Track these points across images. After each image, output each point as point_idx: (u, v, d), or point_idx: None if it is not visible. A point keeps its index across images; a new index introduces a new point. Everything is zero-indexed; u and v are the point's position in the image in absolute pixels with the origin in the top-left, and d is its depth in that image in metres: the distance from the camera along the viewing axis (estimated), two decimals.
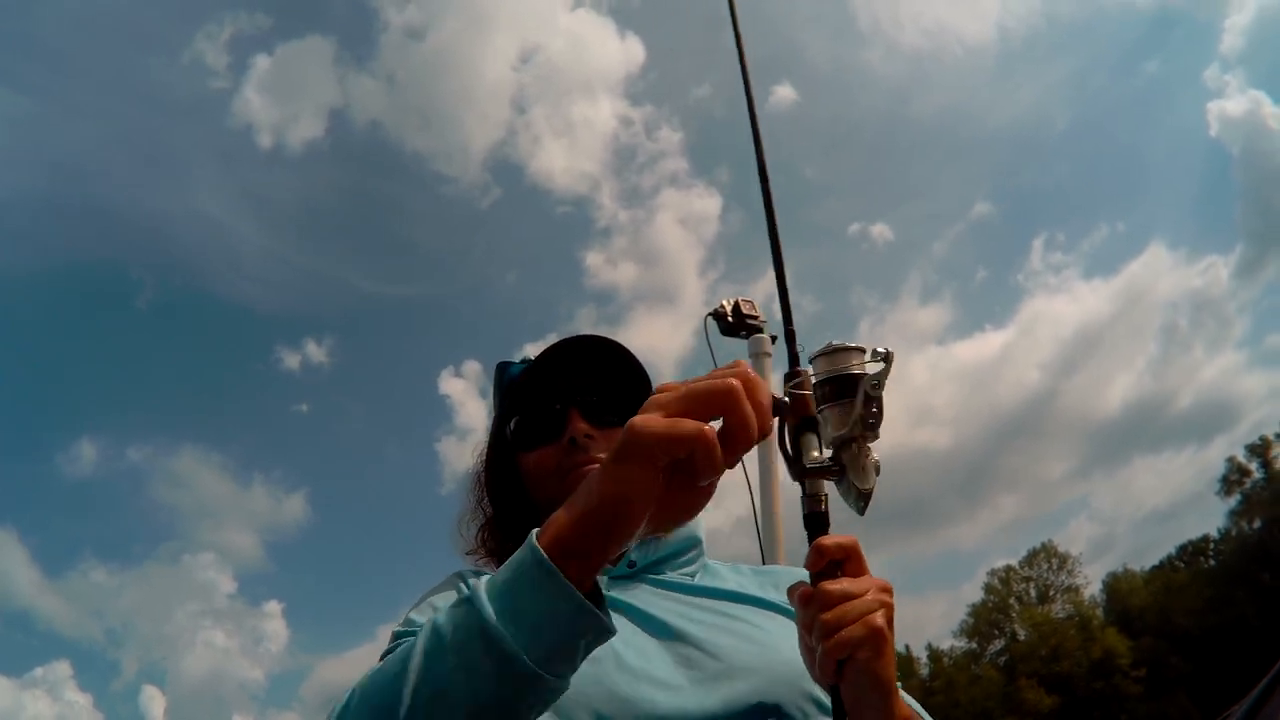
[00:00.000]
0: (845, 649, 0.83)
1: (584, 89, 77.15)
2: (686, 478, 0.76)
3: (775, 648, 1.08)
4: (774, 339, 3.84)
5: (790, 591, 0.91)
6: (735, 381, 0.75)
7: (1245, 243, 59.69)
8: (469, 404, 65.10)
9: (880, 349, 0.86)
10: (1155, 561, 43.91)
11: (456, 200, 74.17)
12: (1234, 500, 39.29)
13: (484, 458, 1.43)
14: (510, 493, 1.36)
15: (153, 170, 78.76)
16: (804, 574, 0.87)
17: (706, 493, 0.79)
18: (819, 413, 0.88)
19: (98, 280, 72.84)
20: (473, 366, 64.72)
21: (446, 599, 1.19)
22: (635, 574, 1.26)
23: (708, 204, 68.91)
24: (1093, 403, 62.38)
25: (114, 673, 56.06)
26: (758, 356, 3.79)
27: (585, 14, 79.91)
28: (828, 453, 0.87)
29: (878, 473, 0.88)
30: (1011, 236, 70.64)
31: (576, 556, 0.75)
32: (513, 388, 1.39)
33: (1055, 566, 43.44)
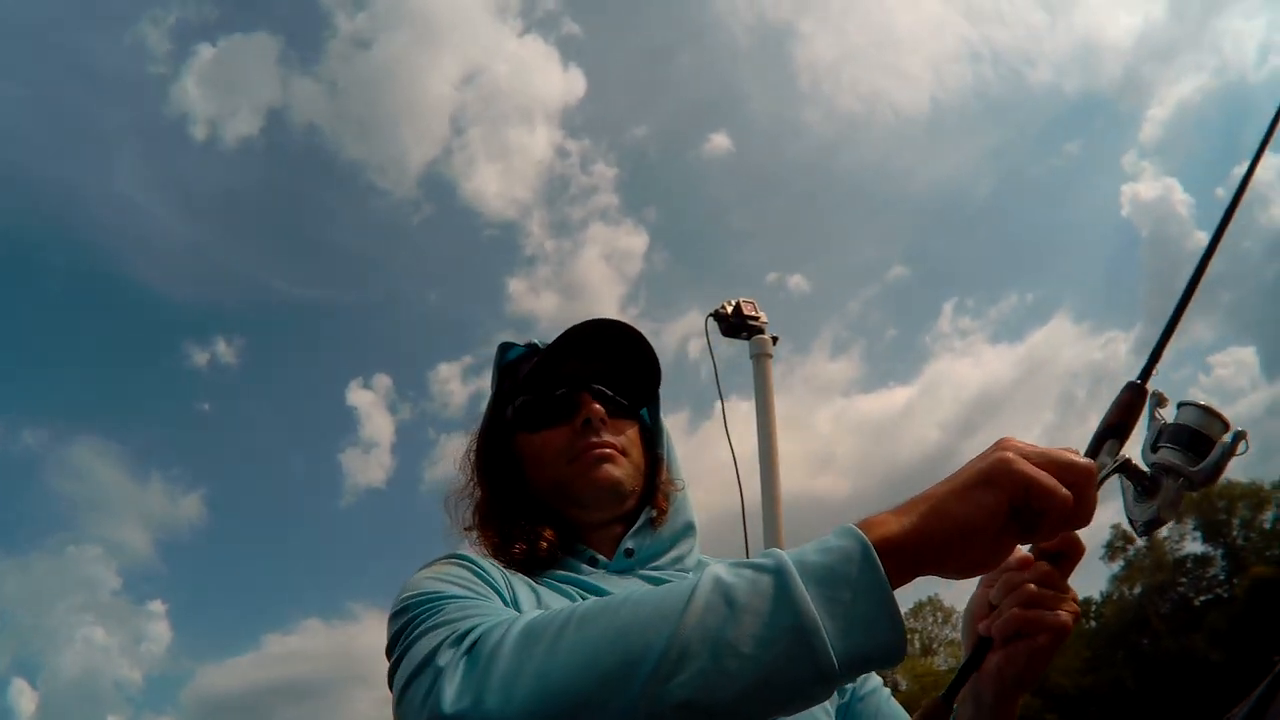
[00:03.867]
0: (1037, 625, 0.86)
1: (523, 116, 77.51)
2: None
3: None
4: (775, 339, 3.67)
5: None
6: (1095, 466, 0.80)
7: (1145, 321, 62.19)
8: (376, 417, 64.05)
9: (1241, 429, 0.88)
10: None
11: (386, 212, 73.79)
12: (1117, 566, 40.51)
13: (478, 438, 1.39)
14: (506, 474, 1.33)
15: (77, 145, 76.94)
16: None
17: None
18: (1159, 448, 0.90)
19: (5, 252, 69.84)
20: (383, 380, 64.11)
21: (461, 576, 1.08)
22: (632, 567, 1.26)
23: (634, 242, 69.50)
24: None
25: None
26: (759, 358, 3.62)
27: (532, 41, 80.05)
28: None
29: (1175, 520, 0.96)
30: (923, 298, 72.83)
31: (902, 568, 0.73)
32: (511, 369, 1.38)
33: (940, 620, 44.19)
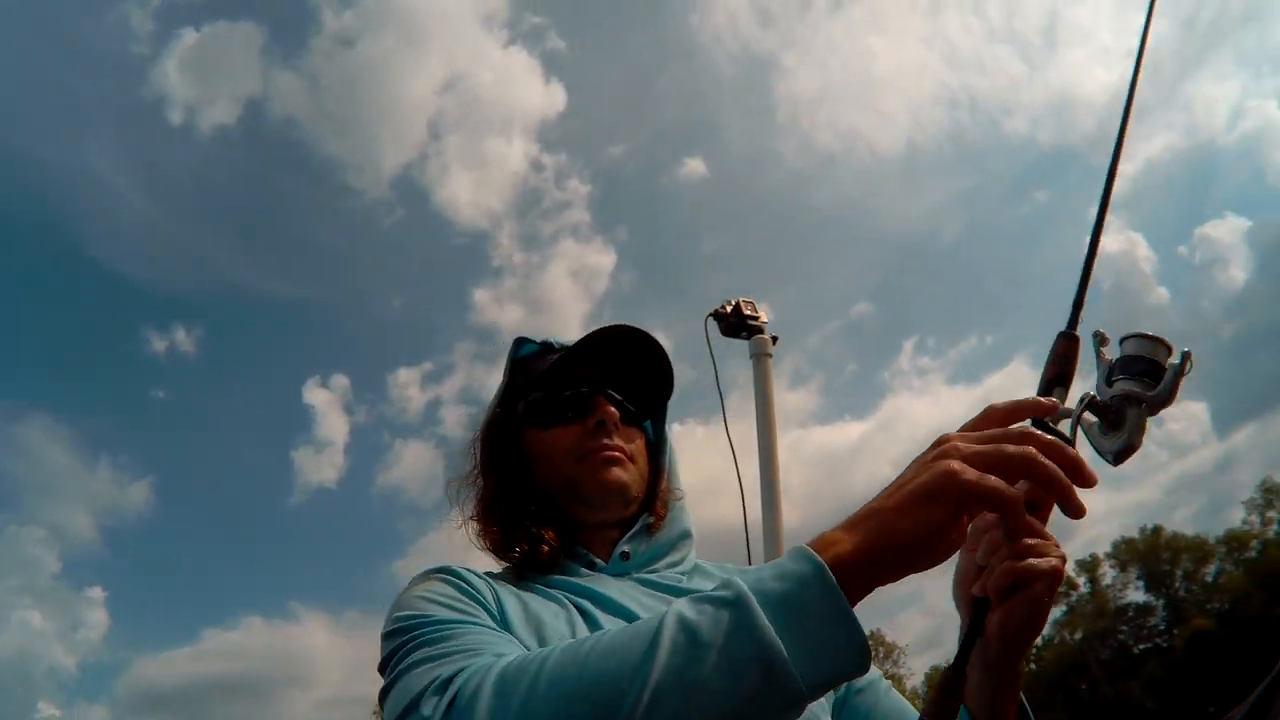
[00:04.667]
0: (1031, 574, 0.85)
1: (502, 126, 77.72)
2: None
3: None
4: (774, 339, 3.51)
5: None
6: (1031, 450, 0.78)
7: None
8: (331, 417, 63.53)
9: (1186, 350, 0.92)
10: None
11: (358, 213, 73.62)
12: (1059, 611, 40.87)
13: (485, 429, 1.39)
14: (511, 468, 1.34)
15: (52, 117, 75.52)
16: None
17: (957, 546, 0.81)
18: (1114, 381, 0.93)
19: None
20: (341, 380, 63.61)
21: (448, 595, 1.10)
22: (627, 570, 1.27)
23: (602, 260, 69.83)
24: None
25: None
26: (759, 357, 3.46)
27: (516, 52, 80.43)
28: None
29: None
30: (885, 335, 73.63)
31: (857, 585, 0.75)
32: (523, 364, 1.39)
33: (881, 655, 44.29)
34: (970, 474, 0.75)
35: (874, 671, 1.23)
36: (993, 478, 0.76)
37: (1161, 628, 38.66)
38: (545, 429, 1.32)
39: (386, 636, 1.02)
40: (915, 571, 0.77)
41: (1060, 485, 0.78)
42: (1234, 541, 38.12)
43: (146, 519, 62.72)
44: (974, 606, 0.89)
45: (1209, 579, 38.57)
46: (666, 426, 1.44)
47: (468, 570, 1.18)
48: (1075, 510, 0.79)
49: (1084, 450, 0.90)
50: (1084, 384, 0.95)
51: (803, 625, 0.72)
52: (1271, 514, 38.12)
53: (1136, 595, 40.26)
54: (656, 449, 1.42)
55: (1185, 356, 0.91)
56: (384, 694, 0.96)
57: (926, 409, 67.16)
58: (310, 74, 73.93)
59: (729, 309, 3.45)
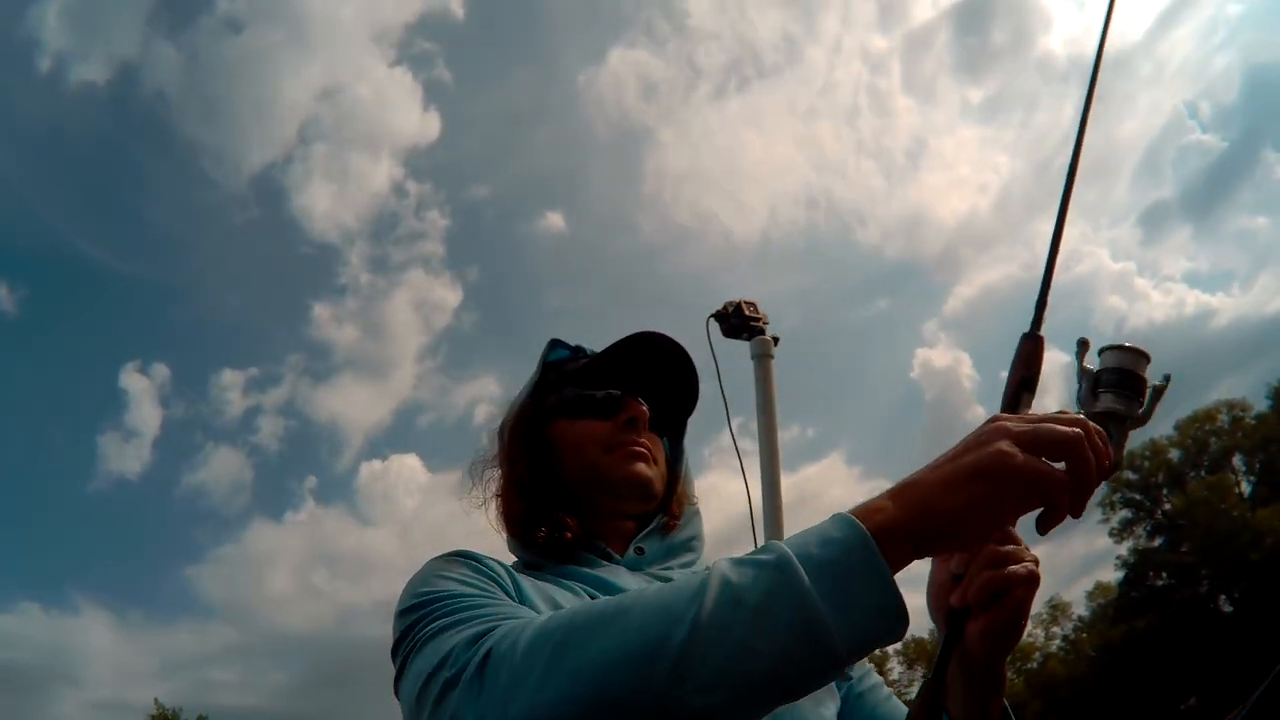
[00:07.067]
0: (1012, 581, 0.91)
1: (371, 144, 76.32)
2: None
3: None
4: (776, 340, 3.57)
5: None
6: (1081, 433, 0.79)
7: None
8: (145, 406, 59.46)
9: (1167, 373, 1.00)
10: None
11: (211, 203, 70.43)
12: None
13: (515, 417, 1.41)
14: (536, 456, 1.35)
15: None
16: None
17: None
18: (1100, 394, 0.99)
19: None
20: (161, 370, 59.63)
21: (467, 575, 1.08)
22: (642, 565, 1.29)
23: (448, 296, 69.12)
24: None
25: None
26: (760, 359, 3.51)
27: (401, 74, 78.77)
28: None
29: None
30: (711, 412, 73.41)
31: (899, 554, 0.76)
32: (555, 365, 1.42)
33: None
34: (1019, 457, 0.76)
35: (875, 676, 1.28)
36: (1042, 461, 0.77)
37: None
38: (575, 420, 1.34)
39: (403, 614, 1.01)
40: (955, 549, 0.88)
41: (1092, 475, 0.79)
42: (1018, 651, 39.92)
43: None
44: (952, 616, 0.93)
45: None
46: (684, 438, 1.49)
47: (485, 555, 1.17)
48: (1081, 508, 0.80)
49: None
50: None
51: (845, 591, 0.72)
52: (1055, 629, 41.29)
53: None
54: (674, 458, 1.45)
55: (1167, 380, 0.99)
56: (401, 668, 0.95)
57: (739, 489, 68.40)
58: (191, 51, 70.42)
59: (730, 310, 3.44)
